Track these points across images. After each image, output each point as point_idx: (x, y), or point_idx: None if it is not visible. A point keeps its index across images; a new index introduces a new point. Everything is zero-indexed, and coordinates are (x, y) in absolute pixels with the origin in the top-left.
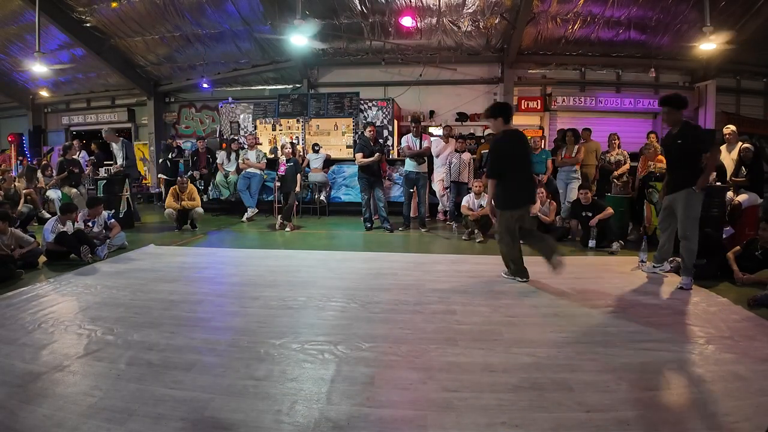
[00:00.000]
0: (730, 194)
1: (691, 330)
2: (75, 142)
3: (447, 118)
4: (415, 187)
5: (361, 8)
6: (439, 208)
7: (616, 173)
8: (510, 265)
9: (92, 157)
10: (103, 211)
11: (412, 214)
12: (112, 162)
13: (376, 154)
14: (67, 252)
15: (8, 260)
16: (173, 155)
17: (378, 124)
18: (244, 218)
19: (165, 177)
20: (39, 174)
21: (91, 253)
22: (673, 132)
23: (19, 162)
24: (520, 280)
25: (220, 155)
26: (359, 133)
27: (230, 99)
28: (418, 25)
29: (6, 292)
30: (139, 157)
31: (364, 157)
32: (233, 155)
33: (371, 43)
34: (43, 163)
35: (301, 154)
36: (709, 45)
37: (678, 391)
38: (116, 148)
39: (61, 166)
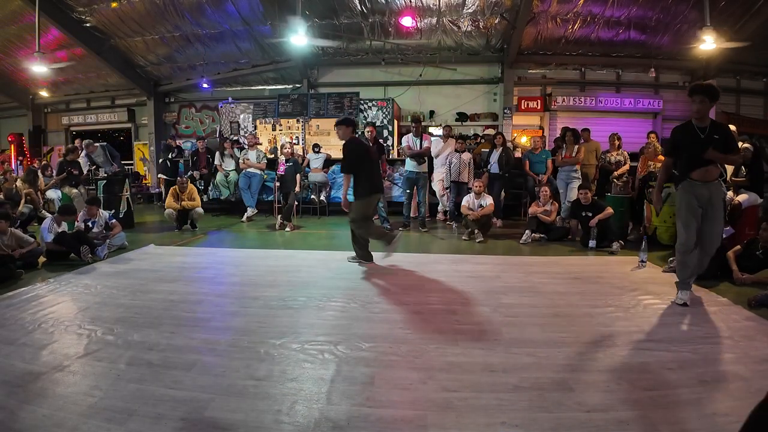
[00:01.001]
0: (730, 194)
1: (691, 330)
2: (77, 141)
3: (447, 118)
4: (415, 187)
5: (361, 8)
6: (439, 208)
7: (616, 173)
8: (357, 251)
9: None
10: (104, 211)
11: (412, 214)
12: (96, 169)
13: None
14: (67, 252)
15: (8, 260)
16: (173, 155)
17: (378, 124)
18: (244, 218)
19: (165, 177)
20: (39, 174)
21: (91, 253)
22: (701, 126)
23: (19, 162)
24: (364, 263)
25: (216, 157)
26: (359, 133)
27: (230, 99)
28: (418, 25)
29: (6, 292)
30: (139, 157)
31: None
32: (226, 153)
33: (371, 43)
34: (43, 163)
35: (301, 154)
36: (709, 45)
37: (678, 391)
38: (96, 155)
39: (60, 167)
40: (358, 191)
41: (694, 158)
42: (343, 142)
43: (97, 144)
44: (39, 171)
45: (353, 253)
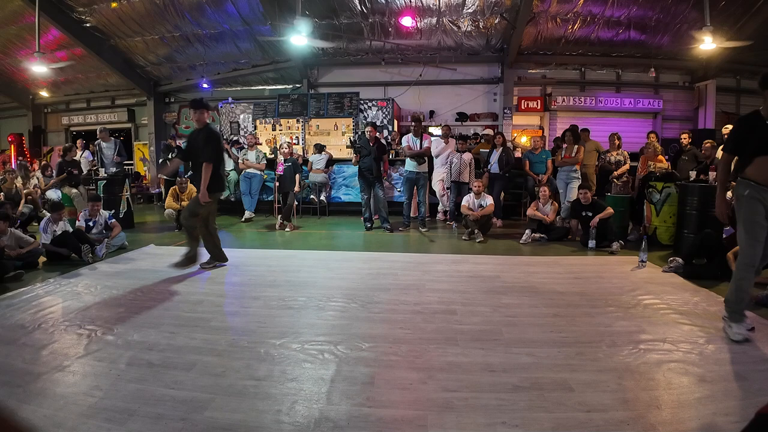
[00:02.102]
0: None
1: (691, 330)
2: (79, 141)
3: (447, 118)
4: (415, 187)
5: (361, 8)
6: (439, 208)
7: (616, 173)
8: (211, 253)
9: (94, 159)
10: (104, 211)
11: (412, 214)
12: (96, 169)
13: (353, 156)
14: (67, 252)
15: (5, 261)
16: (173, 155)
17: (378, 124)
18: (243, 219)
19: (165, 177)
20: (39, 174)
21: (91, 252)
22: None
23: (19, 162)
24: (219, 264)
25: None
26: (359, 133)
27: (230, 99)
28: (418, 25)
29: (6, 292)
30: (139, 157)
31: (358, 157)
32: (225, 154)
33: (371, 43)
34: (43, 163)
35: (300, 154)
36: (709, 45)
37: (678, 391)
38: (105, 146)
39: (60, 168)
40: (211, 184)
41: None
42: (208, 129)
43: (111, 137)
44: (37, 168)
45: (206, 258)
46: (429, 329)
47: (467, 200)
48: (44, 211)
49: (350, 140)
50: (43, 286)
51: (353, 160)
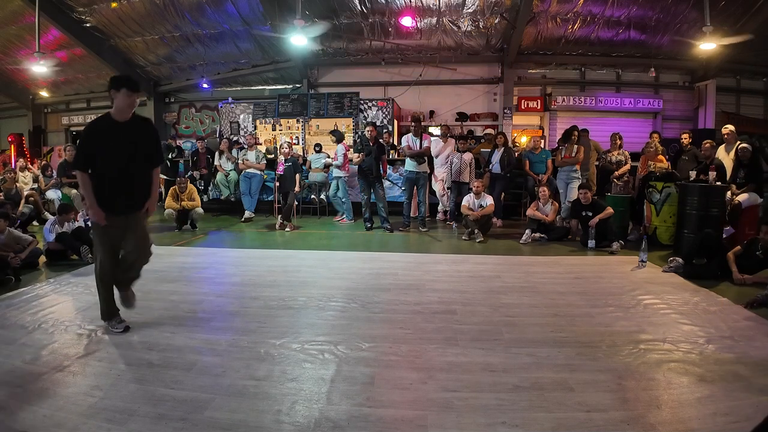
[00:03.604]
0: (728, 194)
1: (691, 330)
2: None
3: (447, 118)
4: (415, 187)
5: (361, 8)
6: (439, 208)
7: (616, 173)
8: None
9: None
10: None
11: (412, 214)
12: None
13: (356, 156)
14: (67, 251)
15: (3, 265)
16: (173, 155)
17: (378, 124)
18: (243, 219)
19: (165, 177)
20: (38, 172)
21: (90, 253)
22: None
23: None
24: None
25: (216, 157)
26: (359, 133)
27: (230, 99)
28: (418, 25)
29: (6, 292)
30: None
31: (359, 157)
32: (225, 155)
33: (371, 43)
34: (43, 163)
35: (300, 154)
36: (709, 45)
37: (678, 391)
38: None
39: (62, 168)
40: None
41: None
42: (146, 119)
43: None
44: (37, 168)
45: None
46: (429, 329)
47: (467, 200)
48: (47, 213)
49: (357, 138)
50: (43, 287)
51: (354, 159)
